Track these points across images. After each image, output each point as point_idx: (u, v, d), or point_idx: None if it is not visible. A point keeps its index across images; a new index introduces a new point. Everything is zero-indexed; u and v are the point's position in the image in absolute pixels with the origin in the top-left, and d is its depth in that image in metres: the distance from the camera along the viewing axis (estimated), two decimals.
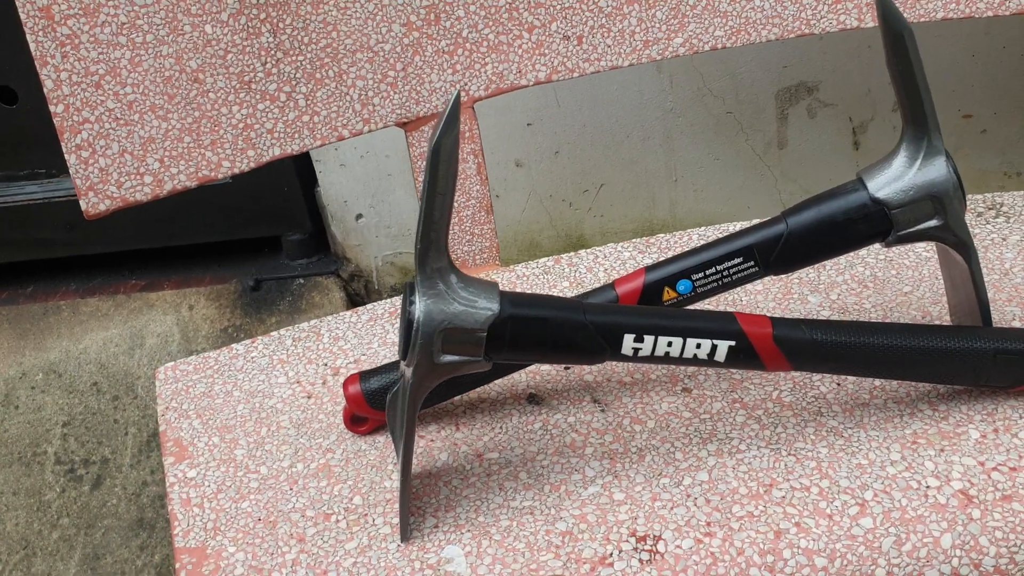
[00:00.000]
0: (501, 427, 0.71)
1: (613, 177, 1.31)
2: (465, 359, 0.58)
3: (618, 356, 0.60)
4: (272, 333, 0.86)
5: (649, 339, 0.59)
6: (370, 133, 0.87)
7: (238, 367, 0.82)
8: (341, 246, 1.41)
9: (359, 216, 1.38)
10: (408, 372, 0.58)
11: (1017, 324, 0.74)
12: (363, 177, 1.34)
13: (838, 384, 0.71)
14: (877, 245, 0.76)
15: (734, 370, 0.72)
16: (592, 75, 1.28)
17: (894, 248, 0.85)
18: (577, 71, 0.88)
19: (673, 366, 0.73)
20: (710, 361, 0.61)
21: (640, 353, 0.60)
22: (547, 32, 0.87)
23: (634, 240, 0.92)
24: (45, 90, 0.76)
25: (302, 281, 1.45)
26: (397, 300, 0.90)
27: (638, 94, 1.25)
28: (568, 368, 0.76)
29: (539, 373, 0.76)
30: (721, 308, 0.80)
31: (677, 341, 0.60)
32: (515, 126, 1.27)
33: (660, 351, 0.60)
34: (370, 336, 0.84)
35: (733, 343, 0.60)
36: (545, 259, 0.93)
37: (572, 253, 0.92)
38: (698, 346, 0.60)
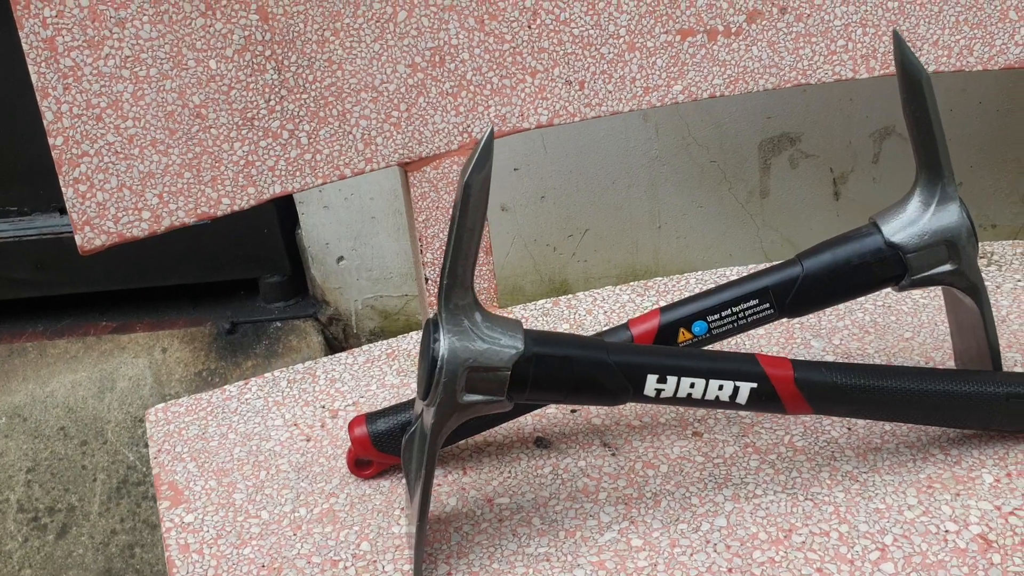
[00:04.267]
0: (510, 471, 0.70)
1: (598, 223, 1.31)
2: (488, 399, 0.57)
3: (640, 397, 0.59)
4: (266, 375, 0.84)
5: (672, 380, 0.59)
6: (370, 172, 0.86)
7: (232, 409, 0.80)
8: (321, 289, 1.39)
9: (340, 258, 1.36)
10: (429, 412, 0.57)
11: (1019, 370, 0.75)
12: (346, 219, 1.32)
13: (849, 429, 0.71)
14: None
15: (752, 413, 0.72)
16: (583, 122, 1.30)
17: (892, 295, 0.86)
18: (578, 116, 0.89)
19: (687, 408, 0.73)
20: (731, 403, 0.60)
21: (663, 394, 0.59)
22: (550, 77, 0.87)
23: (632, 284, 0.92)
24: (45, 122, 0.74)
25: (279, 324, 1.42)
26: (393, 341, 0.88)
27: (624, 142, 1.26)
28: (575, 411, 0.75)
29: (545, 416, 0.75)
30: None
31: (700, 383, 0.59)
32: (502, 171, 1.27)
33: (683, 392, 0.59)
34: (367, 378, 0.82)
35: (755, 385, 0.60)
36: (543, 301, 0.92)
37: (571, 295, 0.91)
38: (720, 388, 0.60)
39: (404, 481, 0.69)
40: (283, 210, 1.37)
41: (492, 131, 0.53)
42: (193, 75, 0.77)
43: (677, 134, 1.25)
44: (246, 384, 0.83)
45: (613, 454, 0.70)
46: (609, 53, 0.87)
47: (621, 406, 0.75)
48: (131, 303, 1.50)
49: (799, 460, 0.68)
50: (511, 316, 0.79)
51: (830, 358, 0.79)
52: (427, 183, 0.87)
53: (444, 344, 0.55)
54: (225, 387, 0.83)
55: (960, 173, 1.30)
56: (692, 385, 0.59)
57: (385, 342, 0.88)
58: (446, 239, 0.55)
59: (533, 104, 0.88)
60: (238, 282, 1.47)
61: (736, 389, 0.60)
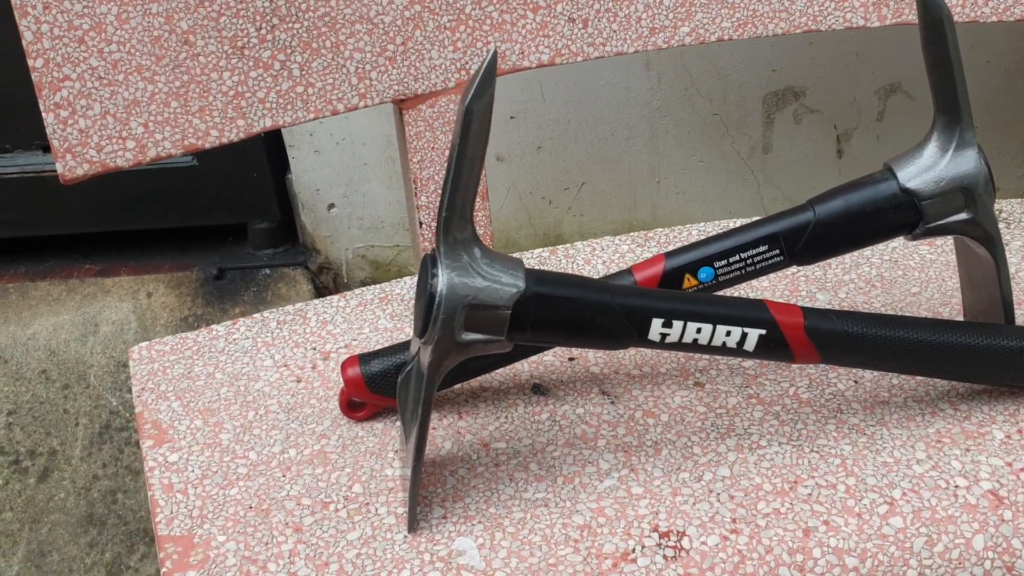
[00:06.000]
0: (507, 417, 0.68)
1: (595, 176, 1.29)
2: (487, 338, 0.54)
3: (644, 341, 0.57)
4: (255, 315, 0.81)
5: (678, 324, 0.57)
6: (364, 109, 0.83)
7: (219, 348, 0.77)
8: (311, 237, 1.36)
9: (331, 206, 1.33)
10: (427, 350, 0.54)
11: None
12: (338, 165, 1.29)
13: (855, 382, 0.69)
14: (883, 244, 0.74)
15: (756, 362, 0.70)
16: (583, 69, 1.26)
17: (899, 249, 0.84)
18: (581, 55, 0.86)
19: (690, 356, 0.71)
20: (738, 350, 0.58)
21: (668, 339, 0.57)
22: (552, 13, 0.84)
23: (632, 234, 0.90)
24: (24, 43, 0.70)
25: (268, 272, 1.39)
26: (387, 286, 0.86)
27: (625, 91, 1.23)
28: (573, 359, 0.73)
29: (542, 363, 0.73)
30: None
31: (707, 328, 0.57)
32: (498, 119, 1.24)
33: (688, 337, 0.57)
34: (360, 321, 0.80)
35: (764, 332, 0.58)
36: (540, 250, 0.89)
37: (568, 245, 0.89)
38: (728, 334, 0.57)
39: (398, 423, 0.67)
40: (273, 154, 1.34)
41: (495, 53, 0.50)
42: None
43: (680, 84, 1.22)
44: (234, 324, 0.80)
45: (612, 402, 0.68)
46: None
47: (621, 353, 0.73)
48: (115, 246, 1.46)
49: (804, 412, 0.66)
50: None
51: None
52: (423, 122, 0.84)
53: (443, 280, 0.53)
54: (212, 326, 0.80)
55: None
56: (699, 330, 0.57)
57: (378, 286, 0.85)
58: (445, 170, 0.52)
59: (534, 41, 0.84)
60: (226, 227, 1.44)
61: (744, 335, 0.58)
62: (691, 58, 1.20)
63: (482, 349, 0.55)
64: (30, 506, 1.21)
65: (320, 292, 1.40)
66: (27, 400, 1.30)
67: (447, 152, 0.86)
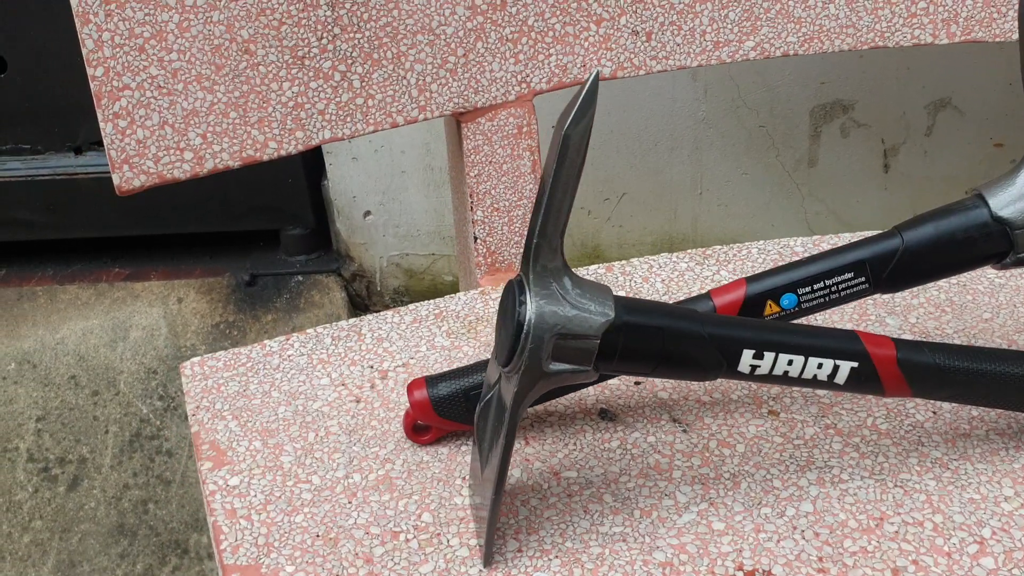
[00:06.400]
0: (575, 444, 0.66)
1: (636, 187, 1.27)
2: (574, 368, 0.53)
3: (732, 373, 0.55)
4: (308, 331, 0.80)
5: (769, 356, 0.55)
6: (423, 122, 0.81)
7: (274, 365, 0.75)
8: (345, 244, 1.34)
9: (367, 213, 1.31)
10: (512, 380, 0.52)
11: None
12: (375, 172, 1.27)
13: (934, 413, 0.67)
14: None
15: (830, 392, 0.68)
16: (635, 78, 1.24)
17: (967, 273, 0.82)
18: (643, 69, 0.84)
19: (770, 385, 0.69)
20: (828, 383, 0.56)
21: (757, 371, 0.55)
22: (616, 26, 0.82)
23: (690, 251, 0.88)
24: (84, 51, 0.68)
25: (300, 279, 1.38)
26: (440, 302, 0.84)
27: (671, 102, 1.21)
28: (639, 383, 0.71)
29: (608, 387, 0.71)
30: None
31: (798, 360, 0.55)
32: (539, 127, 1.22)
33: (779, 370, 0.55)
34: (416, 339, 0.78)
35: (856, 364, 0.56)
36: (596, 266, 0.88)
37: (624, 262, 0.87)
38: (819, 366, 0.55)
39: (463, 448, 0.65)
40: (309, 160, 1.32)
41: (597, 75, 0.48)
42: (242, 7, 0.72)
43: (727, 96, 1.20)
44: (287, 340, 0.79)
45: (684, 430, 0.66)
46: (679, 3, 0.82)
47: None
48: (144, 250, 1.45)
49: (885, 444, 0.64)
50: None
51: (909, 336, 0.75)
52: (481, 135, 0.82)
53: (531, 308, 0.51)
54: (265, 342, 0.78)
55: (1015, 149, 1.25)
56: (790, 362, 0.55)
57: (431, 302, 0.83)
58: (537, 195, 0.51)
59: (596, 54, 0.83)
60: (257, 233, 1.42)
61: (836, 368, 0.56)
62: (739, 70, 1.18)
63: (568, 379, 0.53)
64: (60, 515, 1.19)
65: (353, 300, 1.38)
66: (56, 406, 1.28)
67: (505, 166, 0.84)
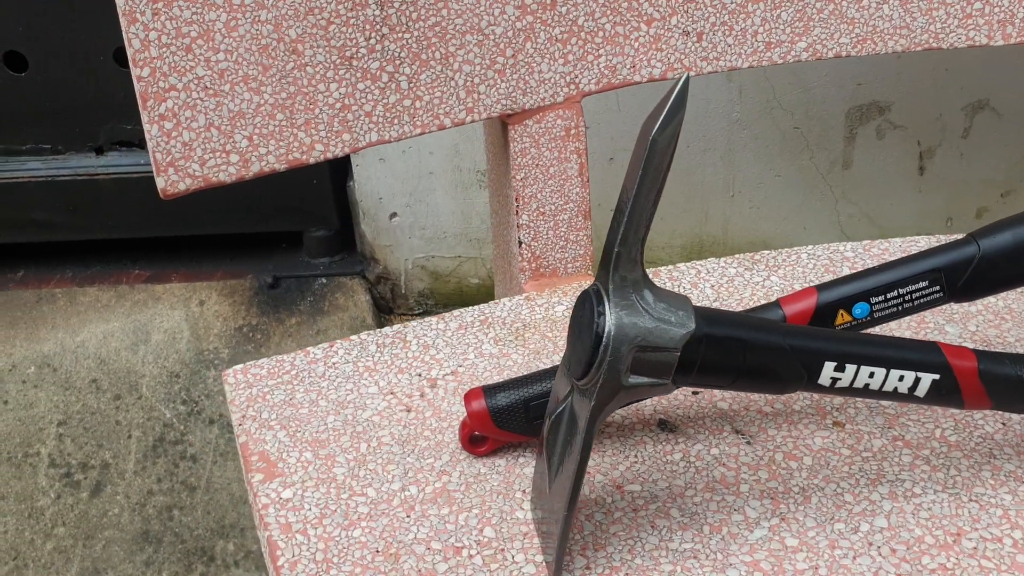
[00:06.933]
0: (636, 456, 0.64)
1: (667, 188, 1.25)
2: (653, 382, 0.51)
3: (812, 386, 0.54)
4: (352, 337, 0.78)
5: (851, 368, 0.53)
6: (470, 124, 0.79)
7: (319, 373, 0.74)
8: (370, 246, 1.32)
9: (393, 215, 1.29)
10: (589, 393, 0.51)
11: None
12: (403, 174, 1.25)
13: (1003, 424, 0.65)
14: None
15: (895, 403, 0.66)
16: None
17: None
18: (694, 70, 0.82)
19: (843, 397, 0.67)
20: (908, 396, 0.55)
21: (838, 384, 0.53)
22: (666, 26, 0.80)
23: (737, 256, 0.86)
24: (130, 51, 0.67)
25: (324, 281, 1.36)
26: (485, 308, 0.82)
27: (704, 102, 1.19)
28: (697, 392, 0.70)
29: (666, 397, 0.69)
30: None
31: (880, 372, 0.53)
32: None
33: (860, 382, 0.53)
34: (463, 346, 0.76)
35: (937, 376, 0.54)
36: None
37: (671, 266, 0.85)
38: (900, 379, 0.54)
39: (521, 460, 0.64)
40: (335, 161, 1.30)
41: (687, 79, 0.46)
42: (290, 6, 0.70)
43: (761, 97, 1.18)
44: (331, 347, 0.77)
45: (748, 442, 0.65)
46: (731, 3, 0.80)
47: None
48: (164, 251, 1.43)
49: (955, 456, 0.63)
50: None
51: (969, 345, 0.73)
52: (528, 138, 0.81)
53: (611, 319, 0.49)
54: (308, 349, 0.76)
55: None
56: (871, 375, 0.53)
57: (476, 308, 0.82)
58: (617, 202, 0.49)
59: (647, 55, 0.81)
60: (279, 234, 1.40)
61: (917, 381, 0.54)
62: (775, 70, 1.16)
63: (646, 393, 0.51)
64: (83, 521, 1.18)
65: (377, 303, 1.36)
66: (77, 410, 1.26)
67: (551, 169, 0.83)
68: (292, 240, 1.40)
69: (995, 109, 1.21)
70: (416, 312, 1.37)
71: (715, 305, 0.80)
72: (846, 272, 0.82)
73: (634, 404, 0.68)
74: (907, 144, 1.23)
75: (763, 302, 0.79)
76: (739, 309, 0.78)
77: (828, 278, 0.81)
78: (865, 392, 0.54)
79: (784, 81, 1.18)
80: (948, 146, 1.23)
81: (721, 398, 0.69)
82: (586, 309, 0.51)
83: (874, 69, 1.17)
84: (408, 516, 0.60)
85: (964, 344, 0.73)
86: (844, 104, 1.19)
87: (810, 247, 0.86)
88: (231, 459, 1.22)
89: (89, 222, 1.37)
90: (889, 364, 0.53)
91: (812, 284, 0.63)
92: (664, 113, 0.46)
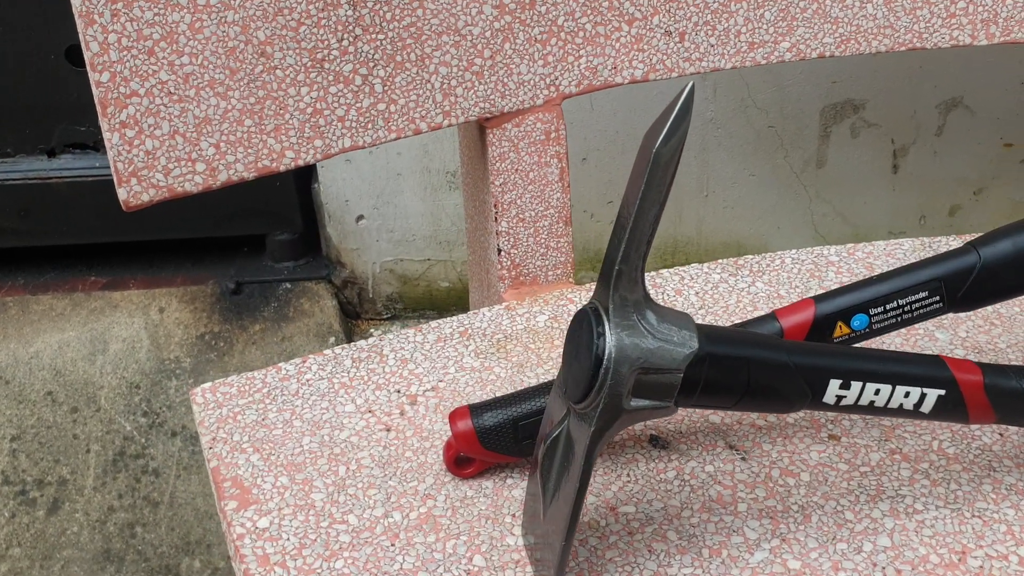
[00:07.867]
0: (628, 475, 0.62)
1: None
2: (655, 404, 0.48)
3: (817, 405, 0.51)
4: (325, 352, 0.74)
5: (856, 386, 0.51)
6: (447, 128, 0.76)
7: (292, 391, 0.70)
8: (336, 249, 1.29)
9: (360, 217, 1.26)
10: (589, 417, 0.48)
11: None
12: (370, 175, 1.22)
13: (1001, 435, 0.64)
14: None
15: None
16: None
17: None
18: (676, 71, 0.80)
19: (854, 415, 0.65)
20: (913, 412, 0.53)
21: (843, 402, 0.51)
22: (648, 26, 0.78)
23: (720, 261, 0.84)
24: (88, 55, 0.63)
25: (288, 286, 1.32)
26: (464, 318, 0.79)
27: None
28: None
29: None
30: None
31: (885, 389, 0.51)
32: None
33: (865, 400, 0.52)
34: (443, 359, 0.73)
35: (943, 392, 0.52)
36: None
37: (654, 272, 0.83)
38: (906, 395, 0.52)
39: (509, 482, 0.61)
40: None
41: (692, 88, 0.44)
42: (258, 6, 0.67)
43: (736, 95, 1.17)
44: (304, 363, 0.73)
45: (743, 458, 0.62)
46: (714, 2, 0.78)
47: None
48: (121, 257, 1.38)
49: (955, 470, 0.61)
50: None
51: (961, 352, 0.72)
52: (507, 142, 0.78)
53: (611, 341, 0.47)
54: (280, 365, 0.73)
55: None
56: (877, 392, 0.51)
57: (455, 319, 0.79)
58: (616, 218, 0.46)
59: (628, 56, 0.78)
60: (242, 238, 1.36)
61: (923, 396, 0.52)
62: (750, 69, 1.15)
63: (647, 416, 0.49)
64: (40, 541, 1.13)
65: (344, 308, 1.33)
66: (32, 424, 1.21)
67: (531, 174, 0.80)
68: (255, 244, 1.36)
69: (968, 107, 1.21)
70: (384, 317, 1.34)
71: (701, 313, 0.77)
72: (831, 276, 0.80)
73: None
74: (881, 142, 1.22)
75: (749, 309, 0.77)
76: (725, 316, 0.76)
77: (814, 283, 0.80)
78: (870, 409, 0.52)
79: (759, 79, 1.16)
80: (922, 144, 1.23)
81: (713, 411, 0.67)
82: (584, 329, 0.48)
83: (849, 67, 1.16)
84: (392, 545, 0.57)
85: (955, 351, 0.72)
86: (819, 102, 1.18)
87: (794, 251, 0.84)
88: (195, 472, 1.18)
89: (42, 227, 1.32)
90: (895, 380, 0.52)
91: (798, 289, 0.61)
92: (668, 124, 0.44)
